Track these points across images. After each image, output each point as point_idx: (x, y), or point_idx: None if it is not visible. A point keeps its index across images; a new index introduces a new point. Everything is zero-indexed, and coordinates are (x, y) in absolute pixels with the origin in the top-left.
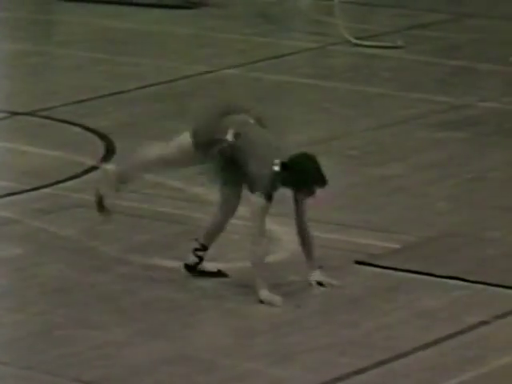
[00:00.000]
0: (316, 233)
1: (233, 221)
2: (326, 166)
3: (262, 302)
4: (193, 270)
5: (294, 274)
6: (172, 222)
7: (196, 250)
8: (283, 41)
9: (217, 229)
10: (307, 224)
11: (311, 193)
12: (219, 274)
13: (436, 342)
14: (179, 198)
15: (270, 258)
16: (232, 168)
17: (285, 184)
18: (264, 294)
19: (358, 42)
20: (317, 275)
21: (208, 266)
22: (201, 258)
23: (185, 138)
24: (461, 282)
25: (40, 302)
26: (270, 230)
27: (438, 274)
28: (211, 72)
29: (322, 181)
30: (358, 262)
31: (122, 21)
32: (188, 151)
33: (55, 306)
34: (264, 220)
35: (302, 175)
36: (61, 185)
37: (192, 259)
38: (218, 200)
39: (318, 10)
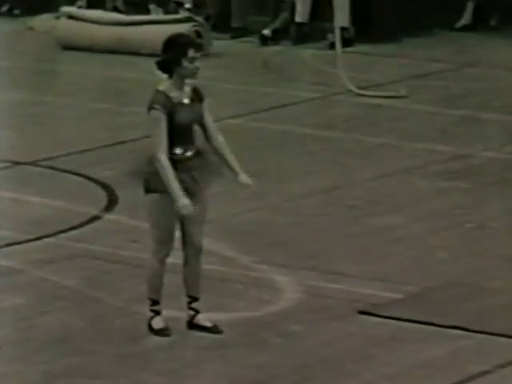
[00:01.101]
0: (317, 282)
1: (235, 270)
2: (328, 215)
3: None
4: (192, 325)
5: (296, 323)
6: (174, 272)
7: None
8: (285, 91)
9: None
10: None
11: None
12: (214, 329)
13: None
14: (180, 248)
15: (272, 309)
16: None
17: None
18: (184, 201)
19: (361, 91)
20: (244, 177)
21: (203, 320)
22: (196, 312)
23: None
24: (463, 332)
25: (42, 351)
26: (271, 279)
27: (439, 323)
28: (214, 122)
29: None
30: (362, 312)
31: (124, 70)
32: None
33: (57, 356)
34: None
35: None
36: (63, 234)
37: (189, 314)
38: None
39: (321, 60)
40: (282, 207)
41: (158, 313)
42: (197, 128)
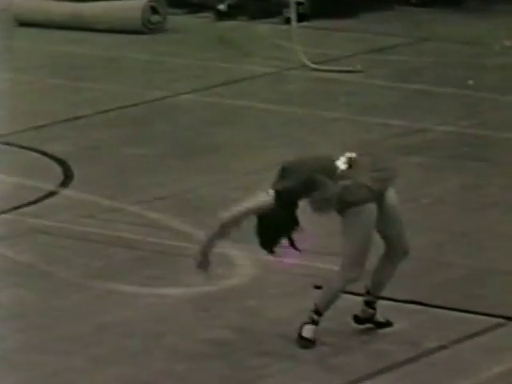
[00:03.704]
0: (271, 257)
1: (191, 245)
2: None
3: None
4: (368, 321)
5: (252, 298)
6: (129, 247)
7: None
8: (241, 65)
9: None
10: None
11: None
12: (387, 323)
13: (394, 367)
14: (136, 223)
15: (228, 283)
16: None
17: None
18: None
19: (316, 66)
20: None
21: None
22: (376, 310)
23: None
24: (418, 307)
25: None
26: (227, 255)
27: (397, 298)
28: (169, 97)
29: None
30: (318, 287)
31: (80, 46)
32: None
33: (13, 332)
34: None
35: None
36: (19, 210)
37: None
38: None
39: (276, 35)
40: (237, 182)
41: (315, 323)
42: None
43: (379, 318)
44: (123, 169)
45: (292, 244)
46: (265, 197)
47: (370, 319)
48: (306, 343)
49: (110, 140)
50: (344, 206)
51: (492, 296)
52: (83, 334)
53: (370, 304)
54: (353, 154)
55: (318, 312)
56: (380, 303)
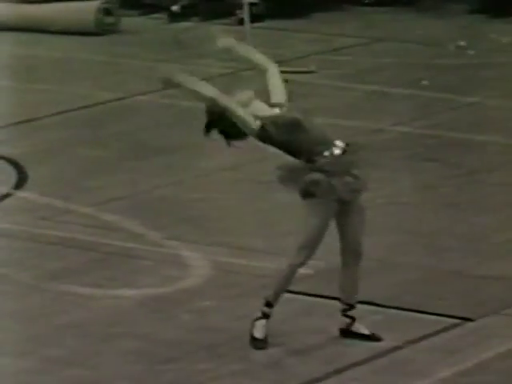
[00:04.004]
0: (227, 258)
1: (145, 247)
2: (238, 191)
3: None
4: (347, 333)
5: (206, 300)
6: (84, 249)
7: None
8: (195, 67)
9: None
10: None
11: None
12: (373, 337)
13: (349, 367)
14: (91, 225)
15: (182, 285)
16: None
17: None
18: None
19: None
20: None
21: (360, 326)
22: (353, 319)
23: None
24: (373, 307)
25: None
26: (181, 256)
27: None
28: (123, 98)
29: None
30: None
31: (34, 48)
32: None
33: None
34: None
35: None
36: None
37: (344, 321)
38: None
39: (230, 36)
40: (192, 183)
41: (266, 316)
42: None
43: (360, 329)
44: (78, 170)
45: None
46: (253, 120)
47: (347, 330)
48: (258, 344)
49: (65, 141)
50: (307, 193)
51: (447, 297)
52: (38, 336)
53: (342, 312)
54: (341, 144)
55: (269, 303)
56: (334, 304)
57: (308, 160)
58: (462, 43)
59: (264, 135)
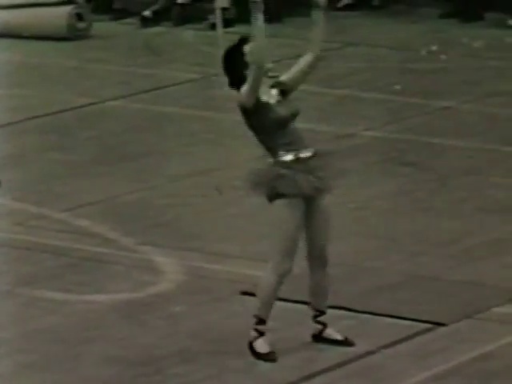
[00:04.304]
0: (199, 263)
1: (117, 252)
2: (210, 196)
3: None
4: (320, 338)
5: (178, 305)
6: (56, 254)
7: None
8: (166, 72)
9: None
10: None
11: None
12: (346, 342)
13: (322, 372)
14: (64, 230)
15: (154, 290)
16: None
17: None
18: None
19: None
20: None
21: (333, 332)
22: (324, 325)
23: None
24: (346, 312)
25: None
26: (153, 261)
27: None
28: (95, 104)
29: None
30: (244, 293)
31: (5, 54)
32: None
33: None
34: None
35: None
36: None
37: (316, 327)
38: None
39: (202, 41)
40: (164, 188)
41: (262, 334)
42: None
43: (333, 335)
44: (50, 175)
45: None
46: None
47: (319, 336)
48: (267, 357)
49: (37, 146)
50: (273, 194)
51: (420, 301)
52: (11, 341)
53: (313, 318)
54: (309, 151)
55: (260, 320)
56: (304, 309)
57: (275, 155)
58: (434, 48)
59: (251, 114)
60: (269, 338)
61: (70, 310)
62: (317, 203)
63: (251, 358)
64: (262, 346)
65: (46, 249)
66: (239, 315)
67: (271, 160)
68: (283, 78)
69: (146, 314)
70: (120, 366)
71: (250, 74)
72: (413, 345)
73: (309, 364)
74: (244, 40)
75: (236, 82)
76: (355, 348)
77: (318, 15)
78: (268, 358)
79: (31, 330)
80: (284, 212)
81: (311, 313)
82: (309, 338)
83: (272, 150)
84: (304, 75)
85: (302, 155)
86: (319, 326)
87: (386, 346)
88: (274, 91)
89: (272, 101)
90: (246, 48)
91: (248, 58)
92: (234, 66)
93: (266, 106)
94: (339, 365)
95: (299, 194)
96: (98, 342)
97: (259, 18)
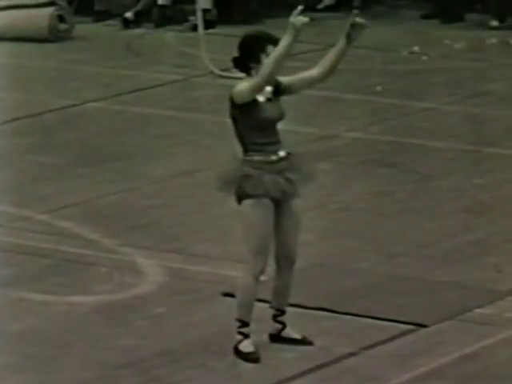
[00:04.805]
0: (181, 265)
1: (99, 253)
2: (191, 197)
3: None
4: (277, 338)
5: (160, 306)
6: (38, 255)
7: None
8: (147, 73)
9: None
10: None
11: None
12: (304, 341)
13: (304, 374)
14: (45, 231)
15: (136, 291)
16: None
17: None
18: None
19: (223, 73)
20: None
21: (291, 331)
22: (284, 324)
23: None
24: (329, 314)
25: None
26: (135, 262)
27: (306, 305)
28: (76, 105)
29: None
30: (226, 294)
31: None
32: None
33: None
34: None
35: None
36: None
37: (275, 327)
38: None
39: (183, 42)
40: (145, 190)
41: (246, 336)
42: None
43: (292, 334)
44: (31, 177)
45: None
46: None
47: (278, 335)
48: (251, 356)
49: (18, 148)
50: (240, 194)
51: (402, 303)
52: None
53: (274, 317)
54: (283, 154)
55: (243, 323)
56: (288, 310)
57: (246, 153)
58: (416, 49)
59: (241, 103)
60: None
61: (52, 311)
62: (286, 205)
63: (234, 359)
64: (246, 346)
65: (28, 250)
66: (221, 316)
67: (241, 158)
68: (282, 78)
69: (127, 316)
70: (102, 367)
71: (257, 76)
72: (394, 346)
73: (290, 365)
74: (272, 38)
75: (241, 65)
76: (336, 349)
77: (345, 41)
78: (251, 357)
79: (12, 331)
80: (252, 212)
81: (272, 312)
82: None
83: (245, 147)
84: (300, 87)
85: (273, 157)
86: (279, 326)
87: (367, 348)
88: (269, 88)
89: (262, 98)
90: (270, 49)
91: (264, 64)
92: (251, 53)
93: (255, 103)
94: (320, 366)
95: (265, 195)
96: (80, 344)
97: (290, 37)
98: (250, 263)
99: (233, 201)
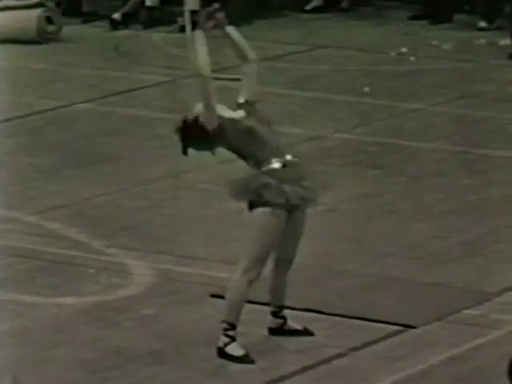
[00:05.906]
0: (169, 266)
1: (88, 255)
2: (179, 199)
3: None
4: (278, 331)
5: (148, 307)
6: (26, 257)
7: (274, 312)
8: (136, 75)
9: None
10: None
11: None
12: (306, 332)
13: (292, 375)
14: (33, 233)
15: (124, 293)
16: None
17: None
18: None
19: (213, 75)
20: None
21: (293, 323)
22: (284, 318)
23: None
24: (315, 315)
25: None
26: (123, 264)
27: (292, 306)
28: (64, 107)
29: None
30: (214, 295)
31: None
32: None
33: None
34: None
35: None
36: None
37: (276, 322)
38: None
39: (171, 43)
40: (133, 191)
41: (233, 339)
42: None
43: (294, 325)
44: (20, 178)
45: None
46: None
47: (280, 329)
48: (245, 359)
49: (6, 150)
50: (257, 202)
51: (389, 304)
52: None
53: (274, 314)
54: (292, 158)
55: (231, 326)
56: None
57: (257, 167)
58: (404, 50)
59: (220, 135)
60: (239, 341)
61: (40, 312)
62: (299, 211)
63: (222, 360)
64: (235, 349)
65: (16, 252)
66: (209, 317)
67: (255, 169)
68: (241, 99)
69: (116, 317)
70: (90, 368)
71: (200, 88)
72: (383, 347)
73: (279, 366)
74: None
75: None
76: (326, 350)
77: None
78: (245, 360)
79: (0, 332)
80: (266, 220)
81: (271, 309)
82: (279, 340)
83: (254, 163)
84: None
85: (288, 159)
86: (280, 321)
87: (355, 349)
88: (241, 111)
89: (237, 116)
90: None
91: (194, 71)
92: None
93: (232, 120)
94: (310, 367)
95: (285, 203)
96: (68, 345)
97: (200, 31)
98: (247, 268)
99: (224, 204)
